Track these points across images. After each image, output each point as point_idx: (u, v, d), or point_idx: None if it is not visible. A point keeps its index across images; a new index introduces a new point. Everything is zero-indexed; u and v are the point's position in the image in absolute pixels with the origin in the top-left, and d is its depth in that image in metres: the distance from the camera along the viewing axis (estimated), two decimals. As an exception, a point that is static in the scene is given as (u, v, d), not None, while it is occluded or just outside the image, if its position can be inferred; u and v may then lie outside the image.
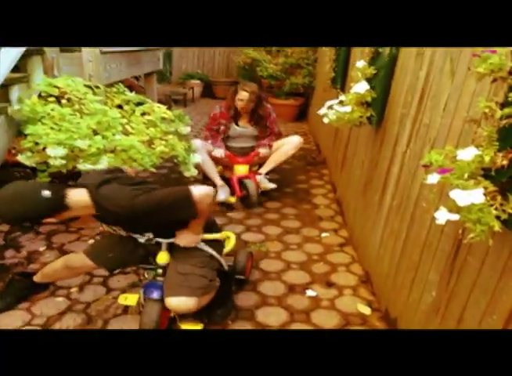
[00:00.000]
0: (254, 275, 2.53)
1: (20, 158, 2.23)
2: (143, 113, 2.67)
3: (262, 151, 3.59)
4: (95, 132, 2.35)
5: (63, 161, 2.09)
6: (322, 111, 2.45)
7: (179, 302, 1.83)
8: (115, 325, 2.08)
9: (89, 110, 2.40)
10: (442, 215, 1.10)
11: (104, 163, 2.22)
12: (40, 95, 2.47)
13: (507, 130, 1.06)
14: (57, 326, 2.05)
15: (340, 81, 3.62)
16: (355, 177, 3.05)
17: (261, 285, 2.44)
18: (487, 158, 1.05)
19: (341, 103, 2.39)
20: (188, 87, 8.02)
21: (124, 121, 2.55)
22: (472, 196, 1.01)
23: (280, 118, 6.70)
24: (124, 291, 2.29)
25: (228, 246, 2.30)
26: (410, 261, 1.93)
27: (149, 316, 1.87)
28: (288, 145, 3.63)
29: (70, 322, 2.09)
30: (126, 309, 2.19)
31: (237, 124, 3.62)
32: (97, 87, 2.63)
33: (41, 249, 2.71)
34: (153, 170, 2.48)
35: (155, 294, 1.89)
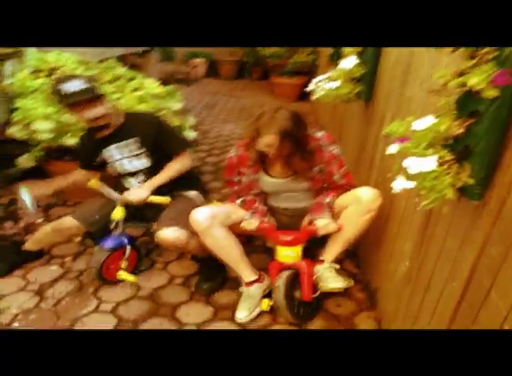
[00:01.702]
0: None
1: (11, 131, 2.27)
2: (135, 90, 2.69)
3: (319, 224, 2.02)
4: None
5: (50, 135, 2.13)
6: (310, 87, 2.45)
7: (169, 231, 1.97)
8: (104, 293, 2.18)
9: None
10: (398, 184, 1.13)
11: (93, 137, 2.26)
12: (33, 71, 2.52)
13: (463, 99, 1.07)
14: (49, 292, 2.15)
15: (337, 56, 3.58)
16: (348, 154, 3.05)
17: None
18: (442, 127, 1.07)
19: (330, 78, 2.39)
20: (191, 66, 7.98)
21: (116, 96, 2.58)
22: (424, 163, 1.03)
23: (283, 98, 6.74)
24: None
25: None
26: (390, 234, 1.96)
27: (96, 259, 2.14)
28: (356, 206, 1.97)
29: (62, 288, 2.19)
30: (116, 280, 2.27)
31: (268, 174, 2.11)
32: (88, 62, 2.65)
33: (38, 221, 2.79)
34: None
35: (106, 245, 2.13)
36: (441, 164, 1.09)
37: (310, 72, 6.90)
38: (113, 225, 2.13)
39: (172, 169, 2.17)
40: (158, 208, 2.13)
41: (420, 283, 1.54)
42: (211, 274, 2.23)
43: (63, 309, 2.05)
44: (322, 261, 2.07)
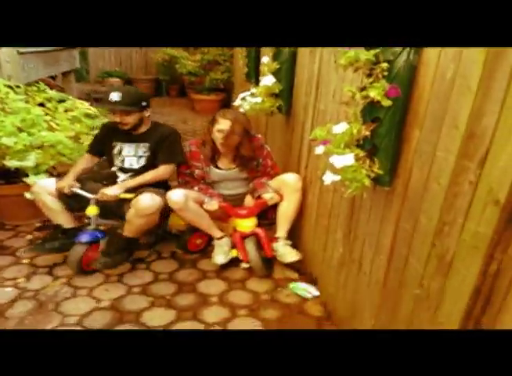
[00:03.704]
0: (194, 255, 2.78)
1: None
2: (66, 110, 2.76)
3: (268, 197, 2.60)
4: (21, 130, 2.43)
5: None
6: (237, 102, 2.72)
7: (146, 197, 2.29)
8: (66, 306, 2.22)
9: (12, 109, 2.46)
10: (328, 177, 1.41)
11: (32, 159, 2.31)
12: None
13: (367, 108, 1.39)
14: (9, 312, 2.14)
15: (254, 75, 3.91)
16: (275, 157, 3.33)
17: (200, 263, 2.71)
18: (355, 131, 1.38)
19: (253, 94, 2.68)
20: (108, 85, 7.93)
21: (48, 117, 2.64)
22: (345, 160, 1.32)
23: (205, 113, 6.97)
24: (70, 278, 2.45)
25: None
26: (322, 227, 2.28)
27: (74, 255, 2.37)
28: (285, 188, 2.59)
29: (21, 308, 2.18)
30: (74, 293, 2.33)
31: (217, 167, 2.71)
32: (18, 86, 2.68)
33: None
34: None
35: (83, 238, 2.36)
36: (357, 160, 1.39)
37: (226, 89, 7.23)
38: (86, 221, 2.40)
39: (147, 176, 2.48)
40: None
41: (353, 262, 1.86)
42: (115, 251, 2.45)
43: (26, 327, 2.05)
44: (277, 238, 2.59)
